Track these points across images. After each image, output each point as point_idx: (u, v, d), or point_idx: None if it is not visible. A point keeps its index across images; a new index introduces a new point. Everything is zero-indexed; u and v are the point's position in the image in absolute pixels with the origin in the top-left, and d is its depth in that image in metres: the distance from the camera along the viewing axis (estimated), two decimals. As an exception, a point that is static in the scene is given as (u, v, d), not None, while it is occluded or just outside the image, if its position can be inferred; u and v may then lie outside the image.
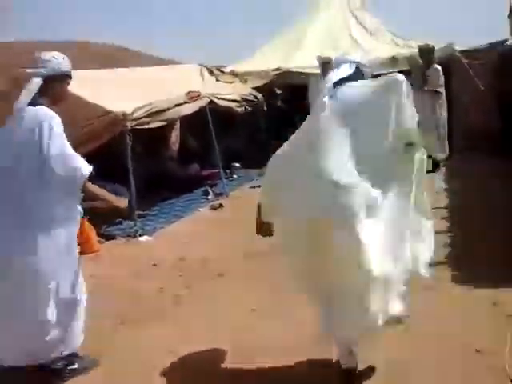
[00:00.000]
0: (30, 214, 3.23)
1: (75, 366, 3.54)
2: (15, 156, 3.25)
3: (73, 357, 3.54)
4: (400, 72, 3.23)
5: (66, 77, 3.51)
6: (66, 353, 3.47)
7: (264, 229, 3.31)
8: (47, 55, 3.42)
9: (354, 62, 3.23)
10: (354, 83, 3.11)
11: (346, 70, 3.16)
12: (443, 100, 8.60)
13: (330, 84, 3.08)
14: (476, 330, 3.58)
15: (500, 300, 3.92)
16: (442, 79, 8.46)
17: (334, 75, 3.12)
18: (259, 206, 3.31)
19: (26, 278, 3.24)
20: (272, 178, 3.27)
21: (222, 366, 3.54)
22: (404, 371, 3.21)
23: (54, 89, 3.43)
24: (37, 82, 3.34)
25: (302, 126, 3.20)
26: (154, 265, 5.65)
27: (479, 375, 3.10)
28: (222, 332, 3.97)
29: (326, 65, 8.37)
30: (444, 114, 8.64)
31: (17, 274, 3.24)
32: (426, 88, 8.30)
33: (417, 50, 8.98)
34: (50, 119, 3.25)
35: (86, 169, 3.33)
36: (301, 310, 3.69)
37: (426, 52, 8.53)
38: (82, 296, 3.54)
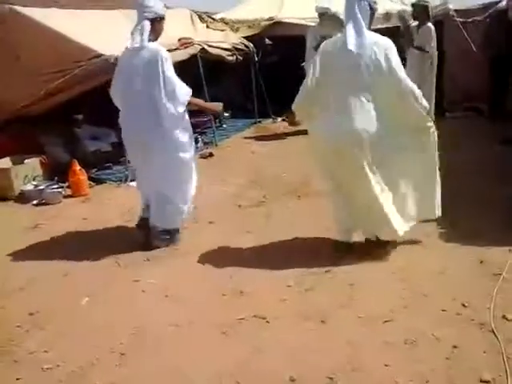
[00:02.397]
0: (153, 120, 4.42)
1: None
2: (138, 77, 4.40)
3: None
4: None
5: (163, 18, 4.52)
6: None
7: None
8: (151, 2, 4.42)
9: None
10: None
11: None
12: (433, 59, 8.46)
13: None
14: (463, 286, 3.68)
15: (487, 258, 4.02)
16: (433, 39, 8.30)
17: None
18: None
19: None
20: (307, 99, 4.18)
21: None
22: (393, 322, 3.32)
23: (156, 28, 4.46)
24: (147, 23, 4.38)
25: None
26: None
27: (465, 328, 3.21)
28: (215, 277, 4.06)
29: (323, 15, 8.26)
30: (431, 74, 8.49)
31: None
32: (415, 45, 8.20)
33: (409, 7, 8.87)
34: (164, 53, 4.38)
35: (188, 92, 4.46)
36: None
37: (419, 7, 8.36)
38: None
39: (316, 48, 8.03)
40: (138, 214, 4.88)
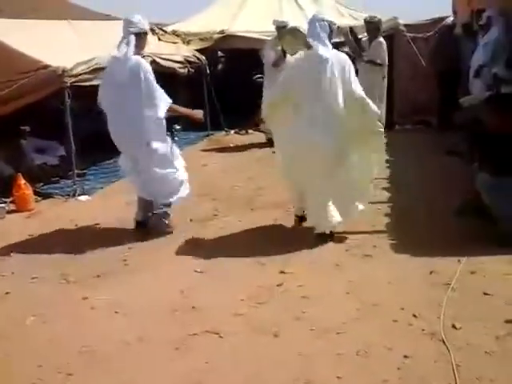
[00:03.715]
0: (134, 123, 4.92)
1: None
2: (122, 86, 4.85)
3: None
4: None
5: (146, 33, 5.08)
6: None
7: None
8: (136, 18, 4.94)
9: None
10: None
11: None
12: (384, 73, 8.67)
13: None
14: (413, 297, 3.72)
15: (437, 269, 4.07)
16: (384, 53, 8.50)
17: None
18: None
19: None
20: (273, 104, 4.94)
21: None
22: (345, 334, 3.32)
23: (140, 42, 4.97)
24: (133, 38, 4.88)
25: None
26: (95, 225, 5.54)
27: (416, 337, 3.24)
28: (166, 293, 3.98)
29: (281, 29, 8.35)
30: (379, 90, 8.62)
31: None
32: (365, 59, 8.37)
33: (360, 21, 9.05)
34: (145, 65, 4.91)
35: (167, 101, 4.93)
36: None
37: (370, 24, 8.57)
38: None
39: (276, 63, 8.14)
40: (133, 217, 5.33)
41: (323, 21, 4.62)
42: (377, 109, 4.75)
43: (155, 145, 5.00)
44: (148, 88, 4.83)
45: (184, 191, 5.31)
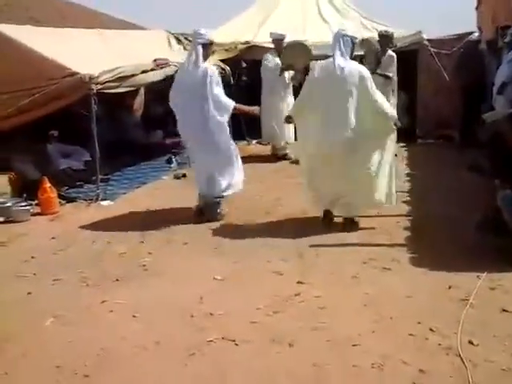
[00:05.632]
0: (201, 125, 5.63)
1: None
2: (191, 90, 5.53)
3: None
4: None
5: (212, 44, 5.79)
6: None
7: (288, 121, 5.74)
8: (203, 30, 5.66)
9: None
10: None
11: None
12: (394, 86, 8.66)
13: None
14: (431, 311, 3.71)
15: (455, 284, 4.05)
16: (394, 66, 8.49)
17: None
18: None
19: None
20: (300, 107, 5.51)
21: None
22: (361, 346, 3.31)
23: (206, 51, 5.65)
24: (200, 48, 5.56)
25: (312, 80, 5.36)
26: (116, 230, 5.62)
27: (432, 352, 3.22)
28: (185, 299, 4.01)
29: (280, 42, 8.43)
30: (393, 100, 8.65)
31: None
32: (378, 72, 8.38)
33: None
34: (212, 71, 5.59)
35: (231, 104, 5.68)
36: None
37: (384, 38, 8.60)
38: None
39: (280, 74, 8.33)
40: (195, 204, 5.97)
41: (346, 36, 5.20)
42: (395, 115, 5.34)
43: (219, 144, 5.68)
44: (214, 93, 5.51)
45: (238, 187, 5.95)
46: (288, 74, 8.90)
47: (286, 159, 9.07)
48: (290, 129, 8.72)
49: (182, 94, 5.64)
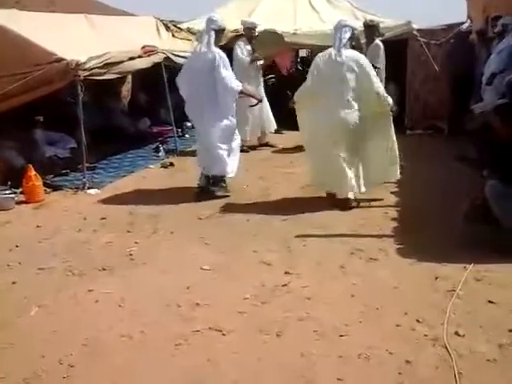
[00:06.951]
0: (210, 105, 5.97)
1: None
2: (201, 72, 5.90)
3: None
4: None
5: (224, 30, 6.26)
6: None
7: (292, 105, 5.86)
8: (215, 17, 6.12)
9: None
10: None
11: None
12: (382, 76, 8.60)
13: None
14: (417, 302, 3.71)
15: (442, 275, 4.06)
16: (381, 56, 8.41)
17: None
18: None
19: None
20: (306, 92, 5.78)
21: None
22: (348, 337, 3.32)
23: (218, 37, 6.05)
24: (213, 33, 5.94)
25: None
26: (103, 218, 5.57)
27: (418, 343, 3.23)
28: (171, 288, 3.99)
29: (251, 30, 8.41)
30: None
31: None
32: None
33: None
34: (221, 55, 5.92)
35: (239, 87, 6.04)
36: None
37: (369, 27, 8.54)
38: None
39: (252, 60, 8.33)
40: (197, 183, 6.29)
41: (346, 27, 5.58)
42: (390, 99, 5.64)
43: (225, 122, 6.02)
44: (223, 75, 5.85)
45: (234, 166, 6.26)
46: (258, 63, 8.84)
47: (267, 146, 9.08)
48: (263, 118, 8.80)
49: (192, 76, 6.01)
